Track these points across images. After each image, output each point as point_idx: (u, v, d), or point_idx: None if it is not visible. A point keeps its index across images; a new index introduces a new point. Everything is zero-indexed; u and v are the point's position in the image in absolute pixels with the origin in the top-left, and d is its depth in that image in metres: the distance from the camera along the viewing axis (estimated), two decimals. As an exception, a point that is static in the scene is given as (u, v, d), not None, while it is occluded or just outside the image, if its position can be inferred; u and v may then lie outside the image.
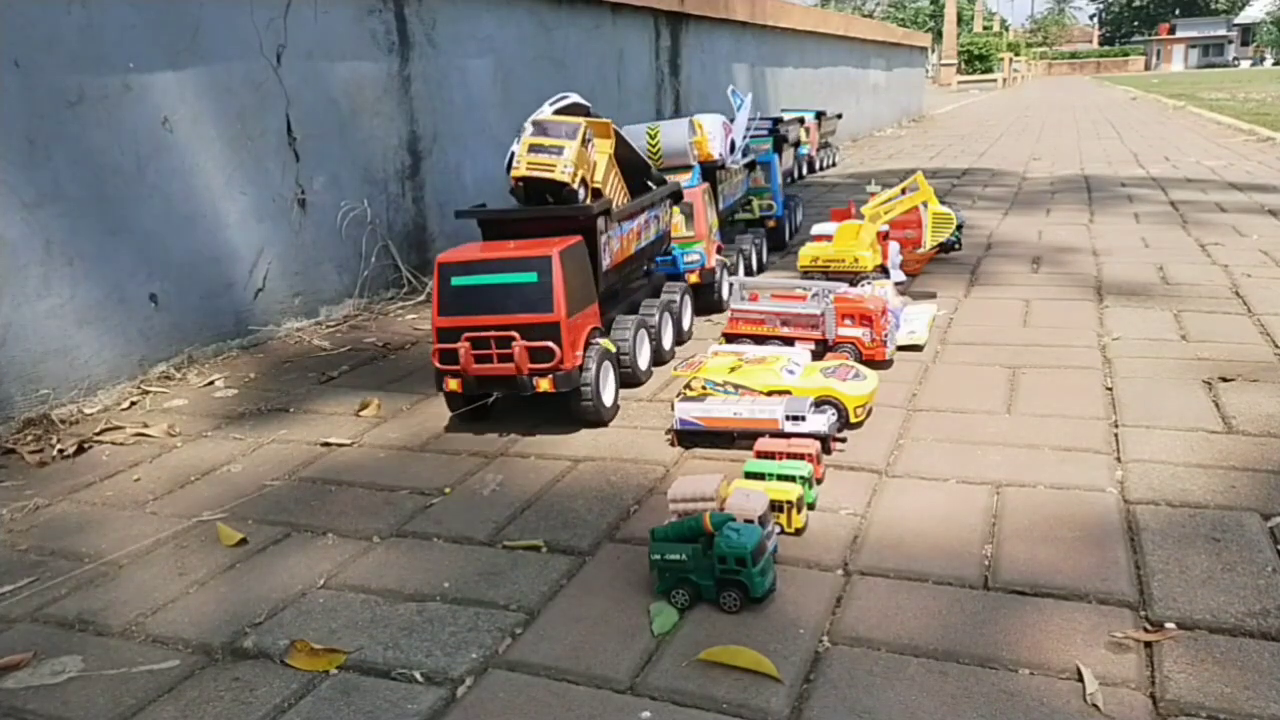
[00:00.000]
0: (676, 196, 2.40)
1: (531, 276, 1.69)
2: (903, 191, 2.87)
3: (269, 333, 2.57)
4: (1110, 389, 1.88)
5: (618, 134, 2.06)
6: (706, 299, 2.61)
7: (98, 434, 1.91)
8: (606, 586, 1.25)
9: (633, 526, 1.41)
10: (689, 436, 1.70)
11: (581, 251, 1.80)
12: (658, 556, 1.18)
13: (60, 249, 2.01)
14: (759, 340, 2.07)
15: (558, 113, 1.97)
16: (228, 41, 2.39)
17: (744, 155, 3.02)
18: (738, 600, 1.16)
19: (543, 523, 1.44)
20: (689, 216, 2.50)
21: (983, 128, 10.21)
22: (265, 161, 2.53)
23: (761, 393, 1.73)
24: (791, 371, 1.78)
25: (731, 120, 2.88)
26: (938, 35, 25.67)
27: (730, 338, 2.11)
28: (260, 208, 2.52)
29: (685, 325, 2.36)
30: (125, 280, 2.16)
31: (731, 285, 2.52)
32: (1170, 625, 1.10)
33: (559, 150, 1.82)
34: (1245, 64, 48.30)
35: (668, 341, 2.21)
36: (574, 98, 2.03)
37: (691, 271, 2.52)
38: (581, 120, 1.89)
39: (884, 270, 2.67)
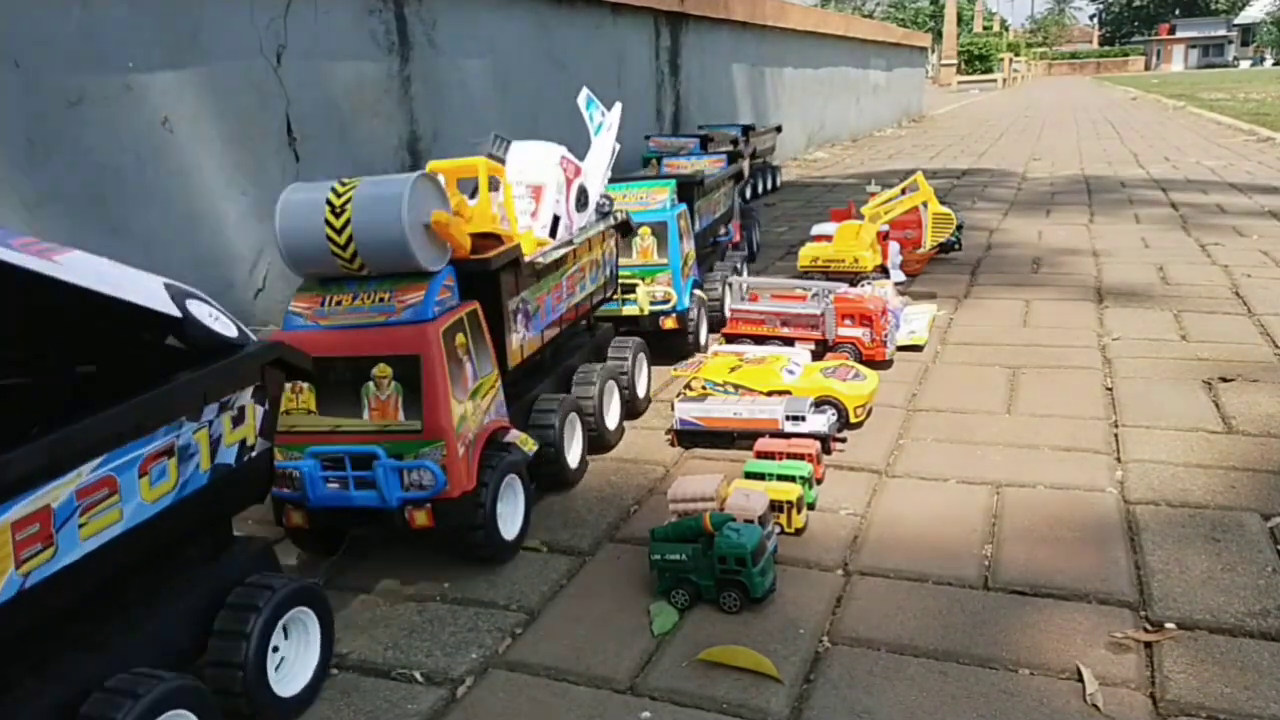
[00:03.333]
0: (294, 370, 1.09)
1: None
2: (903, 191, 2.88)
3: (269, 333, 2.56)
4: (1110, 389, 1.88)
5: None
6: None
7: (98, 434, 1.91)
8: (606, 586, 1.25)
9: (633, 526, 1.41)
10: (689, 436, 1.70)
11: None
12: (658, 556, 1.18)
13: (60, 249, 2.01)
14: (759, 340, 2.07)
15: None
16: (228, 41, 2.39)
17: (602, 212, 1.78)
18: (738, 600, 1.16)
19: (543, 523, 1.43)
20: (411, 391, 1.20)
21: (983, 128, 10.21)
22: (265, 161, 2.53)
23: (761, 393, 1.73)
24: (791, 371, 1.78)
25: (606, 146, 1.87)
26: (938, 35, 25.67)
27: (730, 338, 2.11)
28: (260, 208, 2.52)
29: None
30: (125, 280, 2.16)
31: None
32: (1170, 625, 1.10)
33: None
34: (1245, 64, 48.28)
35: None
36: None
37: (418, 506, 1.20)
38: None
39: (884, 270, 2.68)
